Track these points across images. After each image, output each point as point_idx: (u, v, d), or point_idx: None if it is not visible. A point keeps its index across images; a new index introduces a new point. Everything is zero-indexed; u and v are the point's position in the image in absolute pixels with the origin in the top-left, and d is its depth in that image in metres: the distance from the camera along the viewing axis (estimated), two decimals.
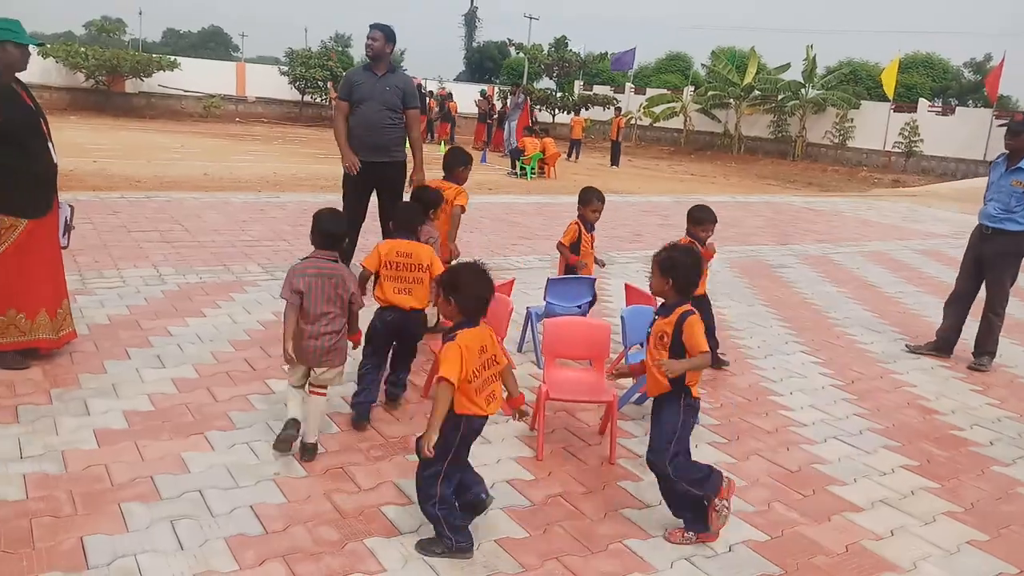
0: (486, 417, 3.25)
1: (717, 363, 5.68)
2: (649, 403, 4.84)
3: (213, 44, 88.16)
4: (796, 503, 3.91)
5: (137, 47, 35.39)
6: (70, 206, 5.14)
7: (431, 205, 5.27)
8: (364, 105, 6.59)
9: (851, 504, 3.95)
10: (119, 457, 3.80)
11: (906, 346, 6.71)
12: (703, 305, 5.17)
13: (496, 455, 4.15)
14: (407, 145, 6.92)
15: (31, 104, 4.72)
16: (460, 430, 3.16)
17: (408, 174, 6.89)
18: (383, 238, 4.50)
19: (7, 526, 3.18)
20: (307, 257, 3.97)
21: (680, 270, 3.43)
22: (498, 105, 29.02)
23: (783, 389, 5.48)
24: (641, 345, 4.87)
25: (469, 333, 3.18)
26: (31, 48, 4.71)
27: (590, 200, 5.86)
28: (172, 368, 4.96)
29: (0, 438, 3.89)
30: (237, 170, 15.72)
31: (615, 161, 24.96)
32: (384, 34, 6.57)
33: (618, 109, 28.86)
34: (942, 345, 6.58)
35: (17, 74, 4.67)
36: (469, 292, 3.22)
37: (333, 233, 3.97)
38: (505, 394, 3.40)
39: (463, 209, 5.95)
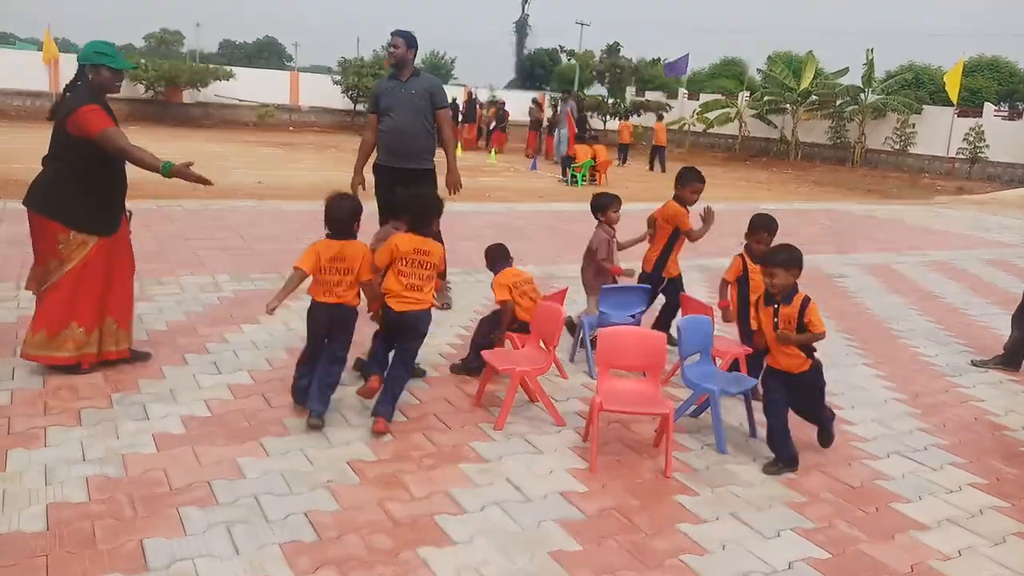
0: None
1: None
2: (705, 416, 4.78)
3: (267, 54, 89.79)
4: (858, 520, 3.80)
5: (194, 58, 36.23)
6: (128, 211, 5.26)
7: (598, 209, 5.90)
8: (393, 112, 6.57)
9: (916, 522, 3.82)
10: (177, 462, 3.86)
11: (972, 360, 6.50)
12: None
13: (548, 466, 4.11)
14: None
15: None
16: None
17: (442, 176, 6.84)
18: None
19: (71, 527, 3.25)
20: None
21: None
22: (548, 112, 28.99)
23: (844, 402, 5.33)
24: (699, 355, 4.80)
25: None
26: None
27: (756, 230, 5.23)
28: (228, 374, 5.03)
29: (64, 441, 3.98)
30: (291, 178, 15.97)
31: (663, 167, 24.71)
32: (405, 40, 6.59)
33: (660, 116, 28.93)
34: (1010, 359, 6.35)
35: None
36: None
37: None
38: None
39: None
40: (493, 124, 27.96)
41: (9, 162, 14.92)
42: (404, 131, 6.56)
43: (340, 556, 3.19)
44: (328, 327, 4.46)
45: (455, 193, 6.77)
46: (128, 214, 5.09)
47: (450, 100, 7.12)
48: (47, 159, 4.77)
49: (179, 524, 3.33)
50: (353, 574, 3.08)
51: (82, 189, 4.66)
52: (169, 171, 4.64)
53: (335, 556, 3.19)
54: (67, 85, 4.80)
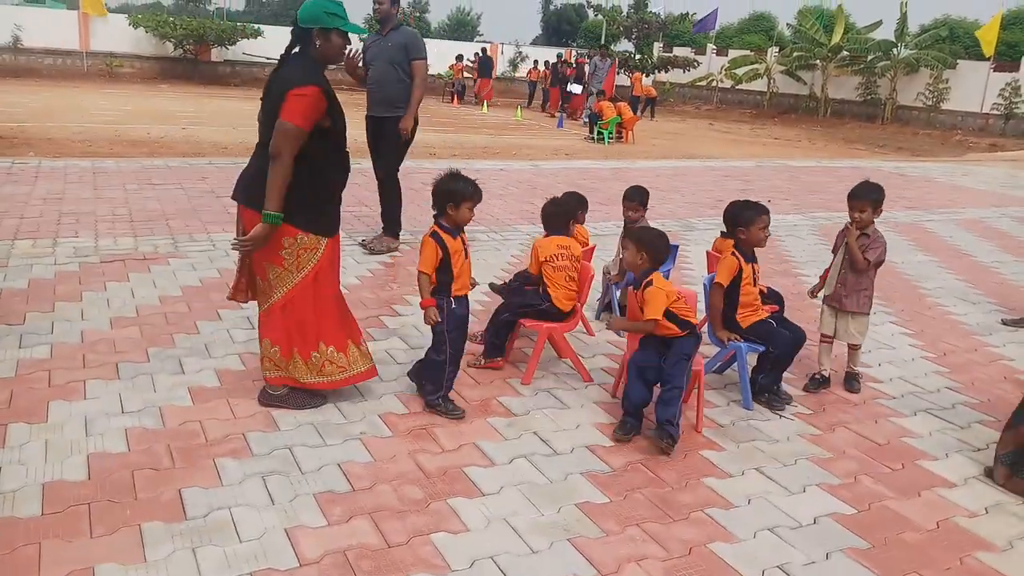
0: None
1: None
2: (729, 372, 4.80)
3: (293, 12, 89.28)
4: (884, 477, 3.82)
5: (222, 16, 36.03)
6: None
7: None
8: (373, 65, 6.92)
9: (943, 479, 3.83)
10: (213, 414, 3.95)
11: (1003, 319, 6.44)
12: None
13: (575, 421, 4.16)
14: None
15: None
16: None
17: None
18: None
19: (112, 477, 3.34)
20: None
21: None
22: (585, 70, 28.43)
23: (871, 360, 5.33)
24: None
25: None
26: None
27: (752, 219, 4.50)
28: None
29: (104, 393, 4.09)
30: None
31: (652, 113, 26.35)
32: None
33: (642, 69, 30.50)
34: None
35: None
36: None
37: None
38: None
39: None
40: (568, 84, 26.25)
41: (42, 120, 15.08)
42: (381, 82, 6.95)
43: (373, 506, 3.27)
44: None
45: (403, 137, 7.02)
46: None
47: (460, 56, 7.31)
48: (261, 146, 3.83)
49: (216, 474, 3.42)
50: (385, 524, 3.16)
51: (307, 181, 3.76)
52: (266, 221, 3.69)
53: (368, 506, 3.27)
54: (283, 54, 3.90)
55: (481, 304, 5.89)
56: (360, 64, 5.77)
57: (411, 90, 6.96)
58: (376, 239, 7.23)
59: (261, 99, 3.86)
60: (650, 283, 4.02)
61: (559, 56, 30.15)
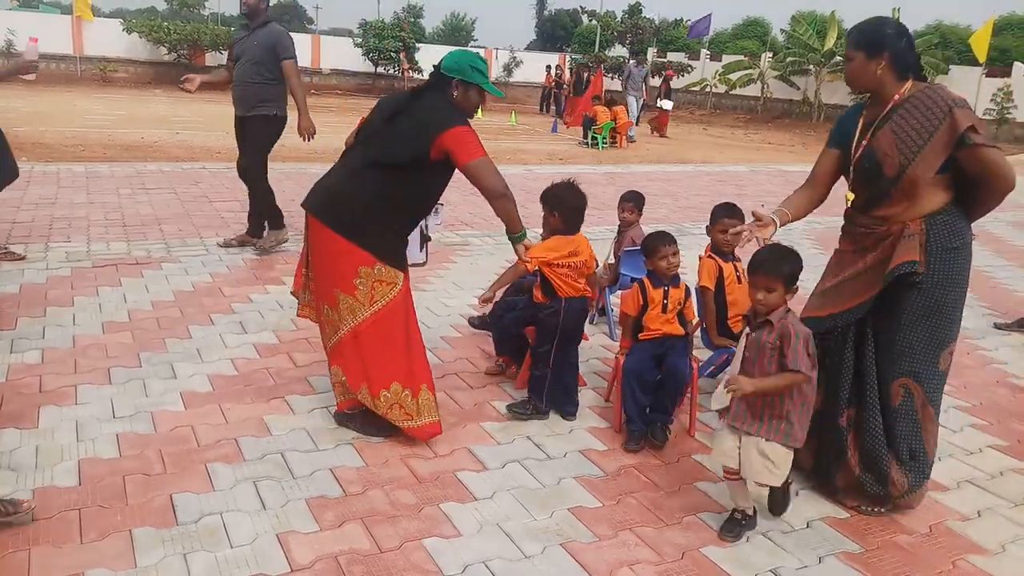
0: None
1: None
2: (721, 375, 4.79)
3: (288, 16, 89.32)
4: None
5: (216, 21, 36.04)
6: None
7: None
8: (238, 63, 6.70)
9: (935, 483, 3.81)
10: (204, 419, 3.94)
11: (996, 323, 6.45)
12: None
13: (568, 425, 4.16)
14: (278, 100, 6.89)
15: None
16: None
17: (295, 125, 6.90)
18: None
19: (103, 483, 3.33)
20: None
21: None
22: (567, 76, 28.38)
23: None
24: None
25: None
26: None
27: (714, 220, 4.59)
28: (253, 334, 5.09)
29: (95, 398, 4.07)
30: (314, 141, 15.93)
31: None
32: None
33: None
34: None
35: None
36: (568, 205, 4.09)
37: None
38: None
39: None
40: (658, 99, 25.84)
41: (35, 124, 15.05)
42: (243, 82, 6.69)
43: (365, 511, 3.26)
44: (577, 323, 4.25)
45: (308, 139, 6.89)
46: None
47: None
48: (359, 164, 3.74)
49: (207, 480, 3.41)
50: (377, 529, 3.15)
51: (403, 208, 3.75)
52: (518, 241, 3.95)
53: (360, 511, 3.26)
54: (417, 89, 3.84)
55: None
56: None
57: (291, 90, 6.79)
58: (265, 238, 7.04)
59: (372, 116, 3.84)
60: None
61: (581, 63, 29.39)
